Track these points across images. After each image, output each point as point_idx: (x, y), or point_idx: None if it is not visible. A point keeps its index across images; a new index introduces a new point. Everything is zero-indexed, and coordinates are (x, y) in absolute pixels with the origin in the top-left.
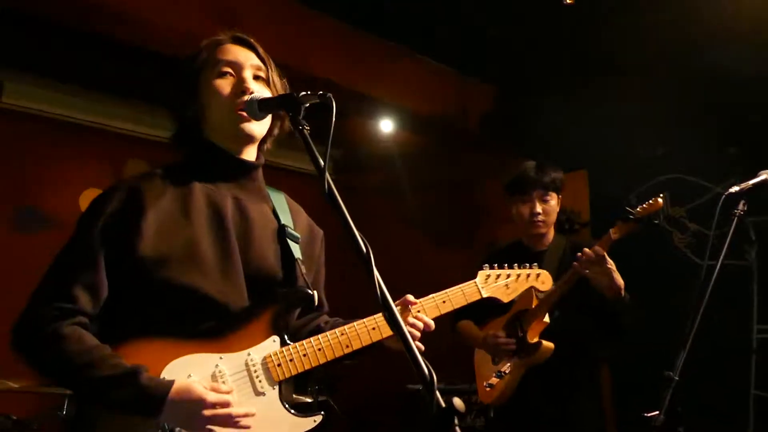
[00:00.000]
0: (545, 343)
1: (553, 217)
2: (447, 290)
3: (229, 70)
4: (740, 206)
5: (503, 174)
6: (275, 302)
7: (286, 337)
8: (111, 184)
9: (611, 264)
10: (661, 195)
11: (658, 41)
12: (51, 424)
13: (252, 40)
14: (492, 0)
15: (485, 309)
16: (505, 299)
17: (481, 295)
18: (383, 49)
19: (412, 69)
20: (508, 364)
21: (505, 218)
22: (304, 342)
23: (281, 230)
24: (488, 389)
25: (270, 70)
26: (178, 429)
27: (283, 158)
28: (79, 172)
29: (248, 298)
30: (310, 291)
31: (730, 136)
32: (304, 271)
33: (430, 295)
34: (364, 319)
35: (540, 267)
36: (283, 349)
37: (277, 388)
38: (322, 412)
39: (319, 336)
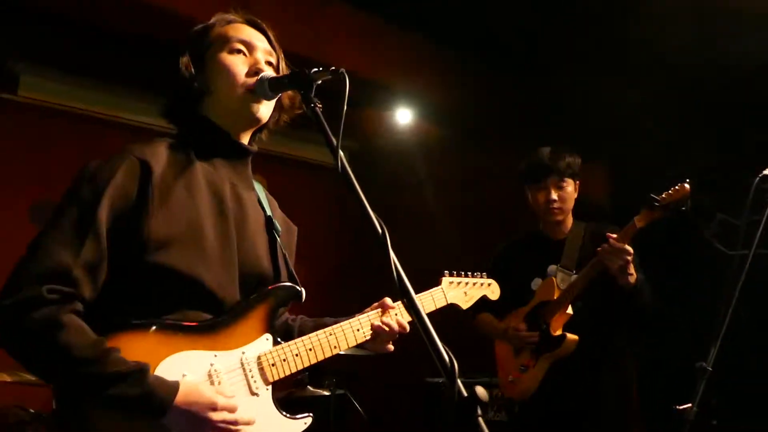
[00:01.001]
0: (569, 335)
1: (570, 203)
2: (419, 294)
3: (242, 48)
4: None
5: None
6: (269, 298)
7: (276, 335)
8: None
9: (631, 255)
10: (688, 181)
11: (682, 29)
12: None
13: (264, 26)
14: None
15: (505, 300)
16: (464, 306)
17: (446, 301)
18: (401, 38)
19: (431, 58)
20: (532, 357)
21: (524, 211)
22: (296, 341)
23: (269, 222)
24: (512, 383)
25: (280, 58)
26: None
27: (285, 148)
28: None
29: (239, 291)
30: (299, 288)
31: (757, 123)
32: (290, 265)
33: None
34: (350, 320)
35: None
36: (276, 348)
37: (270, 388)
38: (311, 415)
39: (310, 336)
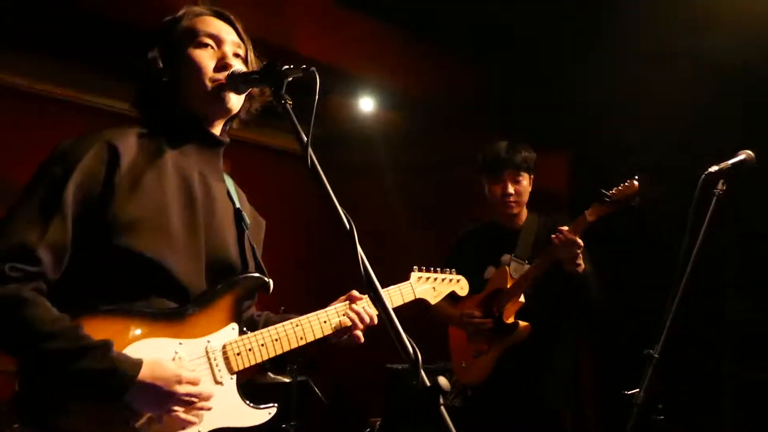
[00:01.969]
0: (521, 323)
1: (525, 197)
2: (387, 288)
3: (210, 42)
4: (719, 186)
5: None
6: (236, 287)
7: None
8: (82, 134)
9: (581, 248)
10: (637, 177)
11: (648, 21)
12: None
13: (232, 17)
14: None
15: None
16: (432, 301)
17: (414, 295)
18: (366, 26)
19: (395, 47)
20: (485, 343)
21: (486, 199)
22: (262, 331)
23: (237, 213)
24: (465, 369)
25: (248, 50)
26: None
27: (261, 135)
28: (47, 144)
29: (206, 280)
30: (266, 278)
31: (712, 117)
32: (259, 257)
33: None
34: (317, 312)
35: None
36: (243, 337)
37: (234, 377)
38: (275, 405)
39: (276, 326)
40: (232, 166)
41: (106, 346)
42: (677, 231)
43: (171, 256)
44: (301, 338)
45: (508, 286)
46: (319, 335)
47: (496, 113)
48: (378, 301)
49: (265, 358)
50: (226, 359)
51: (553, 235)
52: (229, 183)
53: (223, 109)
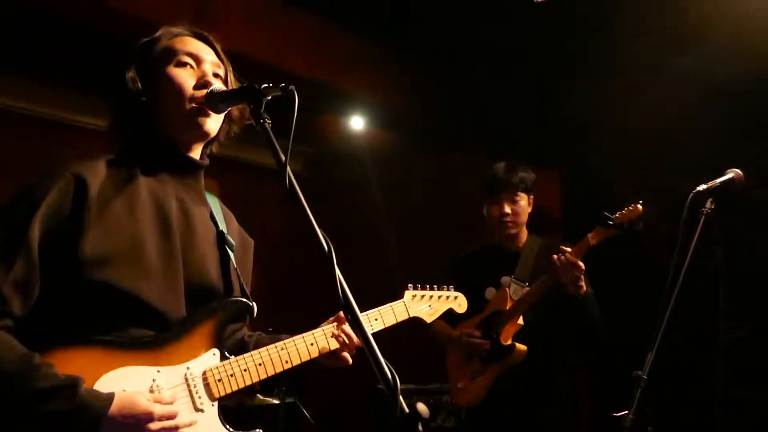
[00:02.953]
0: (518, 345)
1: (523, 217)
2: (379, 308)
3: (189, 60)
4: (708, 205)
5: (477, 173)
6: (216, 313)
7: (225, 350)
8: (48, 167)
9: (582, 271)
10: (641, 202)
11: (638, 42)
12: None
13: (211, 38)
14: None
15: None
16: (428, 319)
17: (408, 314)
18: (355, 45)
19: (386, 66)
20: (481, 365)
21: (478, 218)
22: (245, 356)
23: (220, 237)
24: (461, 390)
25: (228, 70)
26: None
27: (246, 153)
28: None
29: (186, 306)
30: (250, 302)
31: (703, 136)
32: (242, 281)
33: (364, 313)
34: (303, 335)
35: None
36: (224, 363)
37: (216, 404)
38: (260, 430)
39: (260, 351)
40: (219, 186)
41: (74, 384)
42: (666, 249)
43: (146, 287)
44: (287, 362)
45: (507, 308)
46: (305, 358)
47: (487, 132)
48: (355, 324)
49: (248, 383)
50: (207, 386)
51: (554, 255)
52: (214, 204)
53: (200, 134)
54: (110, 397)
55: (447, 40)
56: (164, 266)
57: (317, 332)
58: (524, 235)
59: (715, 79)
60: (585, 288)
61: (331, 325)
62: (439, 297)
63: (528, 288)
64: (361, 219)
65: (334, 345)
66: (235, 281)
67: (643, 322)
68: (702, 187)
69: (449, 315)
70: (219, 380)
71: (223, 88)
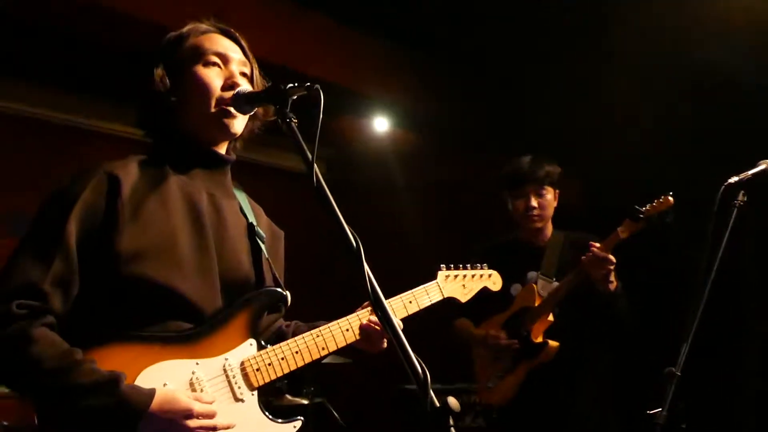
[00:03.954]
0: (551, 342)
1: (550, 211)
2: (413, 290)
3: (217, 60)
4: (740, 197)
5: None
6: (250, 304)
7: (262, 340)
8: (80, 169)
9: (614, 264)
10: (671, 193)
11: (654, 39)
12: None
13: (238, 35)
14: (492, 1)
15: (482, 306)
16: (463, 299)
17: (442, 295)
18: (377, 47)
19: (408, 67)
20: (510, 364)
21: (500, 219)
22: (281, 345)
23: (251, 229)
24: (490, 389)
25: (254, 69)
26: None
27: (267, 156)
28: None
29: (222, 299)
30: (283, 291)
31: (728, 132)
32: (275, 271)
33: (398, 296)
34: (338, 321)
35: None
36: (261, 352)
37: (256, 393)
38: (301, 418)
39: (296, 339)
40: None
41: (115, 380)
42: (695, 243)
43: (182, 280)
44: (323, 348)
45: (536, 304)
46: (341, 344)
47: (508, 132)
48: (386, 321)
49: (287, 371)
50: (245, 376)
51: (586, 253)
52: (242, 198)
53: (227, 134)
54: (151, 393)
55: (470, 41)
56: (198, 259)
57: (352, 318)
58: (549, 230)
59: (741, 74)
60: (615, 283)
61: (365, 310)
62: (473, 276)
63: (556, 284)
64: (385, 220)
65: (373, 329)
66: (268, 272)
67: (671, 319)
68: (734, 179)
69: (474, 312)
70: (257, 370)
71: (250, 88)
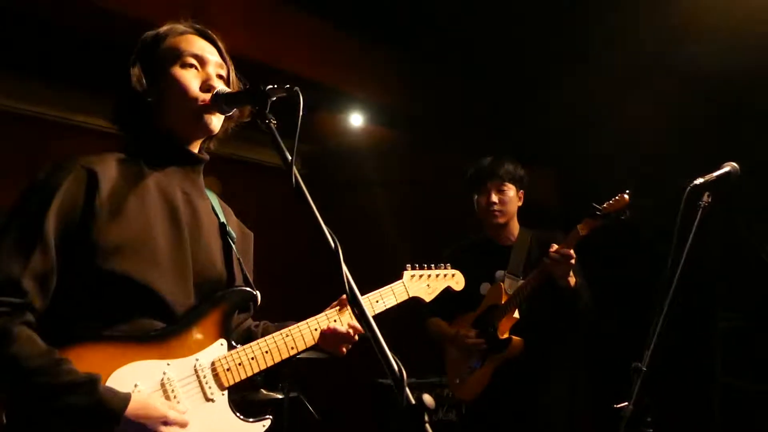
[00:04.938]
0: (515, 338)
1: (511, 207)
2: (380, 290)
3: (194, 62)
4: (705, 198)
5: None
6: (222, 302)
7: (232, 340)
8: (56, 163)
9: (573, 260)
10: (627, 191)
11: (630, 38)
12: None
13: (215, 37)
14: None
15: (453, 304)
16: (427, 298)
17: (408, 294)
18: (353, 43)
19: (383, 63)
20: (479, 359)
21: (473, 217)
22: (251, 345)
23: (222, 228)
24: (459, 384)
25: (230, 70)
26: None
27: (248, 152)
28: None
29: (194, 296)
30: (254, 291)
31: (701, 131)
32: (245, 270)
33: (365, 295)
34: (307, 321)
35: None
36: (232, 352)
37: (226, 393)
38: (270, 417)
39: (266, 338)
40: (223, 184)
41: (93, 381)
42: (664, 242)
43: (157, 277)
44: (292, 348)
45: (503, 302)
46: (310, 343)
47: (483, 129)
48: (363, 319)
49: (256, 371)
50: (216, 376)
51: (545, 256)
52: (213, 199)
53: (205, 131)
54: (127, 397)
55: (446, 39)
56: (174, 257)
57: (320, 317)
58: (516, 228)
59: (711, 73)
60: (574, 279)
61: (333, 309)
62: (437, 275)
63: (522, 281)
64: (360, 215)
65: (339, 329)
66: (238, 271)
67: (641, 315)
68: (699, 180)
69: (446, 311)
70: (227, 369)
71: (227, 89)
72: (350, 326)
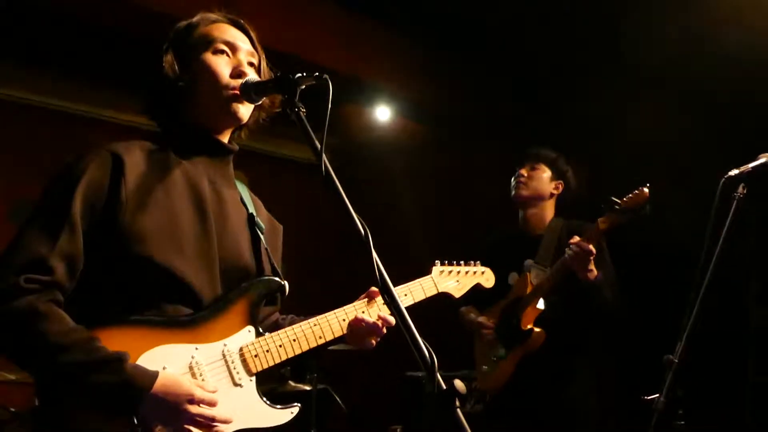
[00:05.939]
0: (536, 330)
1: (540, 185)
2: (408, 284)
3: (226, 48)
4: (740, 190)
5: (502, 165)
6: (249, 291)
7: (259, 328)
8: (84, 149)
9: (593, 254)
10: (647, 185)
11: (667, 30)
12: None
13: (247, 26)
14: None
15: (486, 294)
16: (456, 294)
17: (437, 289)
18: (381, 36)
19: (411, 56)
20: (503, 350)
21: (503, 209)
22: (279, 332)
23: (251, 219)
24: (485, 374)
25: (261, 59)
26: (158, 428)
27: (278, 147)
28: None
29: (221, 285)
30: (281, 281)
31: (734, 122)
32: (273, 261)
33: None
34: (335, 311)
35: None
36: (259, 339)
37: (254, 379)
38: (299, 404)
39: (293, 327)
40: (250, 179)
41: (120, 358)
42: (698, 236)
43: (183, 264)
44: (320, 337)
45: (527, 293)
46: (338, 333)
47: (512, 124)
48: (393, 306)
49: (284, 358)
50: (244, 361)
51: (566, 248)
52: (243, 190)
53: (234, 120)
54: (154, 374)
55: (475, 31)
56: (199, 245)
57: (348, 308)
58: (548, 218)
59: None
60: (595, 272)
61: (361, 301)
62: (467, 272)
63: (548, 272)
64: (386, 209)
65: (368, 320)
66: (266, 262)
67: (673, 309)
68: (734, 171)
69: (478, 300)
70: (255, 356)
71: (257, 78)
72: (379, 317)
